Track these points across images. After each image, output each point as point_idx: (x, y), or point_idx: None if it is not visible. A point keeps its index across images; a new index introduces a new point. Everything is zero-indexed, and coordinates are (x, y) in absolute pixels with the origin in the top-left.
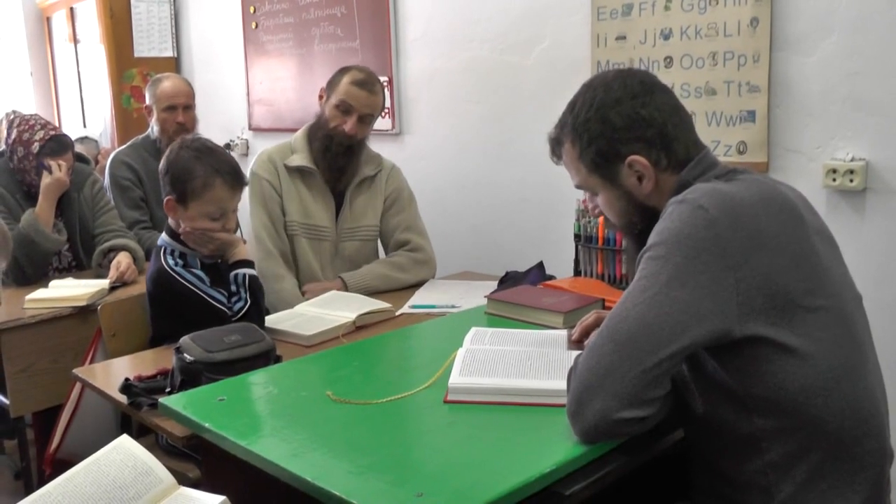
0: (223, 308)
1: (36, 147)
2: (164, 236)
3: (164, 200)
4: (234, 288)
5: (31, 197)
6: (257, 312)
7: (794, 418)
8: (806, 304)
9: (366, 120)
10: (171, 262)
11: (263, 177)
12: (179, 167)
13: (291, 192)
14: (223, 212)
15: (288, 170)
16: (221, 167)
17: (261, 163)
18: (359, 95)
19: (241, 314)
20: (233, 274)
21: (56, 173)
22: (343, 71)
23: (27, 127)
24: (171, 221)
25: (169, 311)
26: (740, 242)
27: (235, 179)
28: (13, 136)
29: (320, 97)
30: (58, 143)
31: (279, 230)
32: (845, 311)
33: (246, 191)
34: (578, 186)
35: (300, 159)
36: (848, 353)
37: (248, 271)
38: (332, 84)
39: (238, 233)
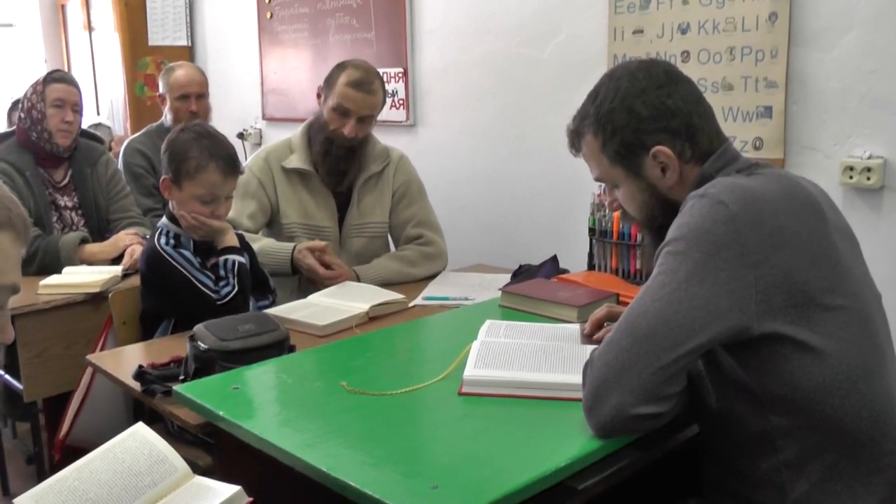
0: (209, 292)
1: (41, 88)
2: (164, 219)
3: (161, 179)
4: (222, 273)
5: (48, 162)
6: (243, 300)
7: (810, 417)
8: (825, 302)
9: (366, 120)
10: (162, 241)
11: (256, 174)
12: (177, 147)
13: (288, 194)
14: (214, 197)
15: (285, 171)
16: (217, 152)
17: (257, 160)
18: (355, 97)
19: (227, 299)
20: (222, 259)
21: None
22: (340, 68)
23: (30, 89)
24: (171, 205)
25: (158, 291)
26: (761, 239)
27: (229, 166)
28: (25, 104)
29: (318, 95)
30: (58, 72)
31: (263, 223)
32: (865, 311)
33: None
34: (598, 179)
35: (298, 161)
36: (867, 353)
37: (236, 258)
38: (329, 83)
39: None
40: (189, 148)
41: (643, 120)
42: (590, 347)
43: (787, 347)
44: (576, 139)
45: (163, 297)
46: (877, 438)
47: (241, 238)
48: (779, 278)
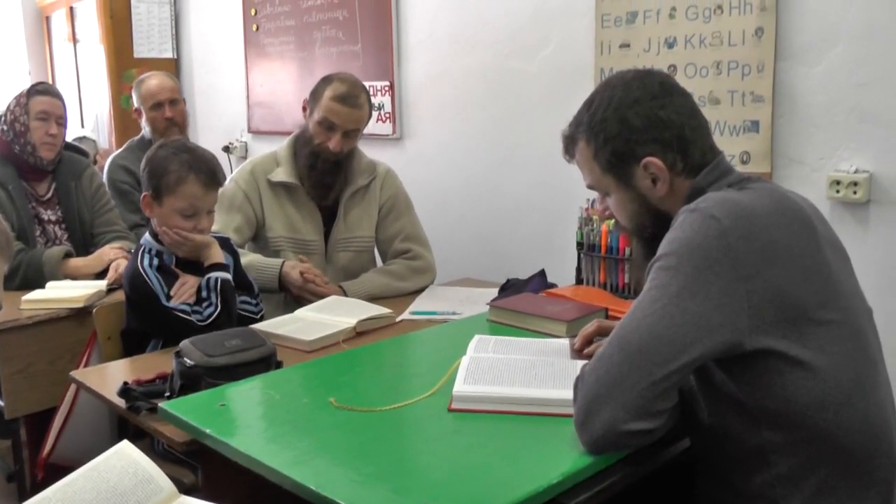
0: (186, 317)
1: (24, 100)
2: (146, 236)
3: (142, 196)
4: (204, 293)
5: (31, 176)
6: (228, 319)
7: (804, 432)
8: (818, 317)
9: (351, 134)
10: (145, 262)
11: (241, 187)
12: (156, 163)
13: (274, 208)
14: (196, 210)
15: (271, 185)
16: (197, 165)
17: (242, 174)
18: (341, 112)
19: (210, 320)
20: (205, 278)
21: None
22: (325, 82)
23: (13, 101)
24: (152, 222)
25: (141, 312)
26: (752, 254)
27: (209, 178)
28: (8, 117)
29: (304, 108)
30: (42, 84)
31: (248, 236)
32: (857, 325)
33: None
34: (590, 187)
35: (284, 174)
36: (859, 368)
37: (220, 275)
38: (314, 96)
39: None
40: (168, 162)
41: (635, 130)
42: (580, 362)
43: (780, 362)
44: (570, 145)
45: (147, 318)
46: (871, 453)
47: (226, 241)
48: (771, 293)
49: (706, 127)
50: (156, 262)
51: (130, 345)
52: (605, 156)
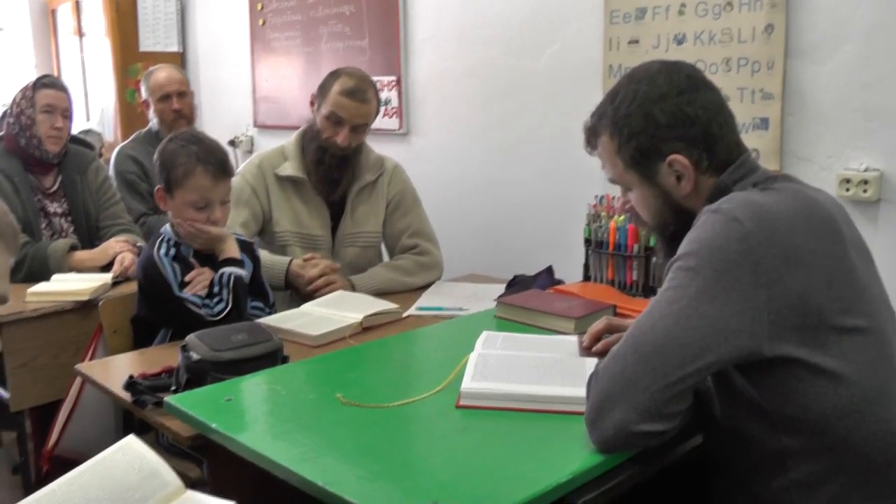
0: (196, 309)
1: (30, 93)
2: (167, 226)
3: (156, 190)
4: (216, 288)
5: (37, 169)
6: (238, 316)
7: (824, 439)
8: (841, 324)
9: (359, 129)
10: (162, 251)
11: (248, 181)
12: (166, 156)
13: (281, 202)
14: (207, 202)
15: (278, 179)
16: (205, 156)
17: (250, 167)
18: (349, 106)
19: (220, 317)
20: (218, 273)
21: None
22: (333, 76)
23: (19, 94)
24: (169, 215)
25: (153, 301)
26: (774, 259)
27: (218, 169)
28: (13, 109)
29: (311, 103)
30: (48, 77)
31: (255, 231)
32: (882, 331)
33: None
34: (612, 181)
35: (291, 168)
36: (883, 376)
37: (234, 271)
38: (322, 91)
39: None
40: (177, 155)
41: (660, 127)
42: (589, 360)
43: (801, 370)
44: (592, 137)
45: (157, 307)
46: (891, 461)
47: (248, 245)
48: (792, 299)
49: (733, 123)
50: (173, 251)
51: (140, 333)
52: (628, 151)
